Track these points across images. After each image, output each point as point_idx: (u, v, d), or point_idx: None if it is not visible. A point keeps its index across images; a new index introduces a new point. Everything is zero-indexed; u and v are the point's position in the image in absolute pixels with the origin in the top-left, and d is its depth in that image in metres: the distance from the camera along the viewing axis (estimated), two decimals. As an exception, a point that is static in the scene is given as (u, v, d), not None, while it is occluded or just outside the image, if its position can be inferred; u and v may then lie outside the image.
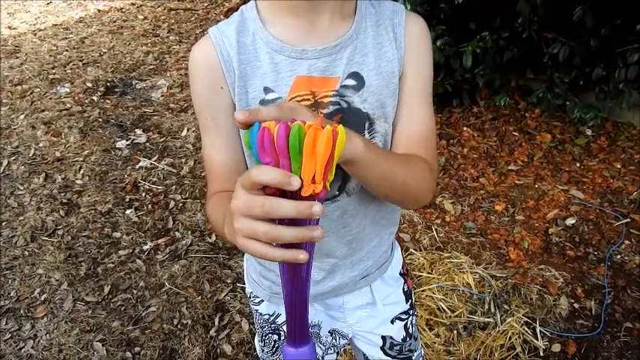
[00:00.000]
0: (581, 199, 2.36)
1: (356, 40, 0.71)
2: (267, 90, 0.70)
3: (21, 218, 2.47)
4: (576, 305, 1.90)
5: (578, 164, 2.60)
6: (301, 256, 0.47)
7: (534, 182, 2.49)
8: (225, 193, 0.70)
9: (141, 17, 4.94)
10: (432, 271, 2.02)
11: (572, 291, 1.94)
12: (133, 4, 5.30)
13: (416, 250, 2.13)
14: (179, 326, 1.94)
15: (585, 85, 2.80)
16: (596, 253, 2.08)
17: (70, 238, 2.35)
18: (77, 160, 2.85)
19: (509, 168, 2.61)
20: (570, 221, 2.23)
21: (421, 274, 2.00)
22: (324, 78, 0.70)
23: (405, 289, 1.02)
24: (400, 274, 1.02)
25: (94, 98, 3.47)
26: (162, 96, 3.50)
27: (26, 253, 2.29)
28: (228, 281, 2.10)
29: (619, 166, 2.53)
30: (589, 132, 2.82)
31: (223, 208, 0.60)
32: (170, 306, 2.02)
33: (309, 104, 0.71)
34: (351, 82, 0.71)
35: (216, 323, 1.94)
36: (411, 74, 0.74)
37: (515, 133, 2.87)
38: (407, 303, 1.02)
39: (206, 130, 0.75)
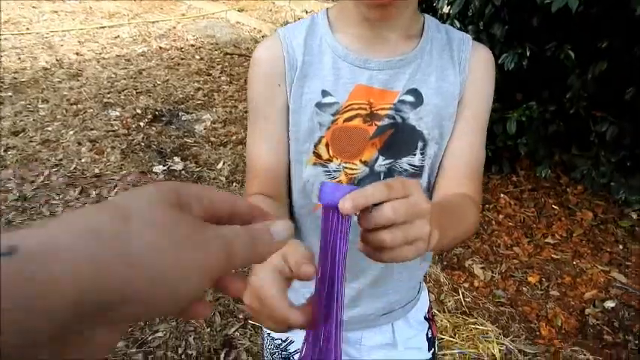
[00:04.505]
0: (622, 282, 2.20)
1: (420, 59, 0.71)
2: (325, 93, 0.71)
3: (50, 226, 2.51)
4: (612, 397, 1.72)
5: (621, 246, 2.45)
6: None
7: (572, 259, 2.36)
8: (261, 197, 0.70)
9: (197, 57, 5.21)
10: (454, 335, 1.89)
11: (609, 380, 1.76)
12: (192, 45, 5.62)
13: (440, 311, 2.02)
14: (183, 356, 1.86)
15: (633, 166, 2.70)
16: (636, 342, 1.90)
17: (92, 251, 2.36)
18: (114, 179, 2.92)
19: (545, 241, 2.49)
20: (610, 304, 2.07)
21: (443, 337, 1.88)
22: (384, 90, 0.70)
23: (429, 336, 0.95)
24: (425, 318, 0.95)
25: (141, 124, 3.61)
26: (204, 129, 3.60)
27: (48, 260, 2.30)
28: (240, 317, 2.03)
29: (666, 254, 2.37)
30: (634, 215, 2.68)
31: None
32: (177, 334, 1.95)
33: (365, 114, 0.71)
34: (410, 98, 0.71)
35: (222, 358, 1.85)
36: (469, 101, 0.73)
37: (555, 207, 2.76)
38: (429, 351, 0.94)
39: (255, 127, 0.75)
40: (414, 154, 0.72)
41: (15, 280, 0.20)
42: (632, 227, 2.60)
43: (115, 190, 2.82)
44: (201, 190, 0.29)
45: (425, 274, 0.94)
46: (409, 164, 0.73)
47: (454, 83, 0.72)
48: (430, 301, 0.98)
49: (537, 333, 1.94)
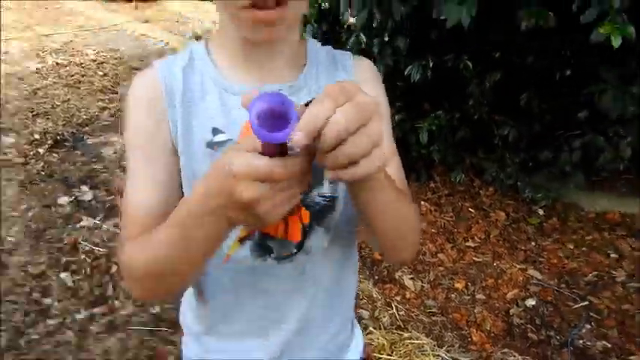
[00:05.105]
0: (539, 279, 2.36)
1: (310, 81, 0.69)
2: (215, 131, 0.65)
3: None
4: (540, 393, 1.82)
5: (533, 243, 2.64)
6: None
7: (492, 260, 2.49)
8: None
9: (101, 73, 4.86)
10: (392, 352, 1.90)
11: (537, 377, 1.87)
12: (93, 60, 5.24)
13: (375, 328, 2.02)
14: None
15: (534, 166, 2.92)
16: (557, 337, 2.04)
17: (-9, 303, 2.08)
18: (12, 216, 2.61)
19: (466, 244, 2.61)
20: (530, 302, 2.20)
21: (381, 356, 1.88)
22: None
23: None
24: (361, 359, 0.91)
25: (40, 151, 3.27)
26: (114, 153, 3.35)
27: None
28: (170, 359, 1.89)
29: (572, 247, 2.58)
30: (541, 212, 2.90)
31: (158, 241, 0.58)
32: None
33: None
34: None
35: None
36: None
37: (471, 210, 2.91)
38: None
39: (137, 169, 0.67)
40: (322, 184, 0.69)
41: None
42: (541, 224, 2.81)
43: (15, 229, 2.52)
44: None
45: (357, 294, 0.90)
46: (320, 195, 0.69)
47: None
48: (364, 338, 0.94)
49: (469, 339, 2.02)
